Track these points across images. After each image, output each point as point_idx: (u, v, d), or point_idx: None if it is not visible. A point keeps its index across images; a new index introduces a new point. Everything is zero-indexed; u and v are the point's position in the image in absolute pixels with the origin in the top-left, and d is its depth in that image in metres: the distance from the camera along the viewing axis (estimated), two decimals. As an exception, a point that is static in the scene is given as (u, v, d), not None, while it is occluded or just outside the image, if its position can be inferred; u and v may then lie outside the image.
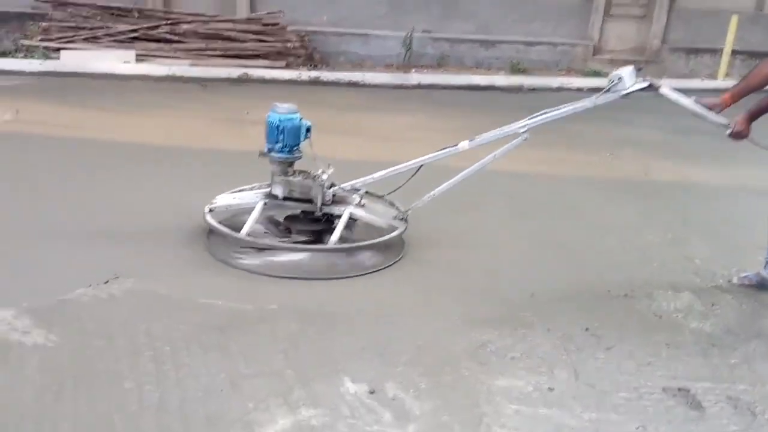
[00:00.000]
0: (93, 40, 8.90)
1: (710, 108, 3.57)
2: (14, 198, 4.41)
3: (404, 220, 4.01)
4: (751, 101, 3.54)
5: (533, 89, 9.60)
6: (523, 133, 3.76)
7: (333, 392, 2.65)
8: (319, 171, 3.88)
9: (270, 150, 3.86)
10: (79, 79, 8.10)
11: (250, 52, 9.21)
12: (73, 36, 8.88)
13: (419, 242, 4.09)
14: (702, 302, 3.62)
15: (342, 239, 3.78)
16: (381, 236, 3.89)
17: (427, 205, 4.03)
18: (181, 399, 2.56)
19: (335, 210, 3.89)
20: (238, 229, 3.76)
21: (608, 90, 3.64)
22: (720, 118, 3.56)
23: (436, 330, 3.16)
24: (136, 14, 9.31)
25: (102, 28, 8.99)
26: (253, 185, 4.16)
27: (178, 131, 6.25)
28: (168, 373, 2.70)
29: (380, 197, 4.19)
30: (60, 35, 8.89)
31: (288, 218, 4.01)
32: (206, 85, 8.35)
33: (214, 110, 7.19)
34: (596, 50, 11.17)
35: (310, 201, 3.87)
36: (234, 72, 8.79)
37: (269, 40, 9.35)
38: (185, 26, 9.14)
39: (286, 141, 3.81)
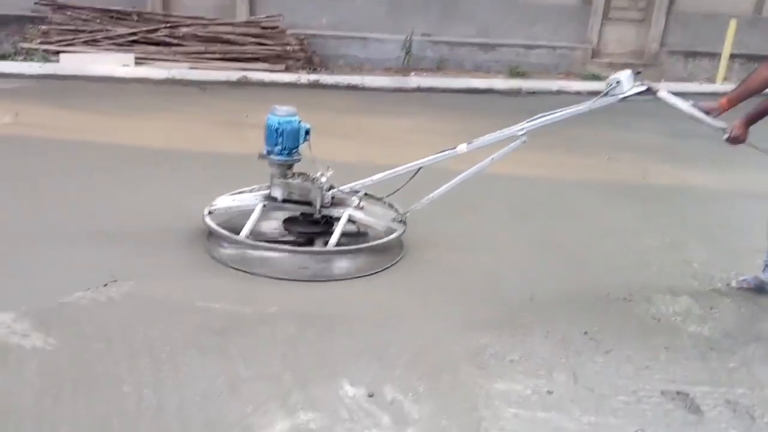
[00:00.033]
0: (92, 43, 8.90)
1: (708, 112, 3.57)
2: (13, 201, 4.41)
3: (403, 222, 4.02)
4: (750, 105, 3.55)
5: (532, 92, 9.61)
6: (521, 136, 3.76)
7: (331, 395, 2.65)
8: (318, 173, 3.89)
9: (269, 152, 3.87)
10: (79, 82, 8.10)
11: (250, 56, 9.22)
12: (72, 39, 8.89)
13: (418, 244, 4.10)
14: (700, 306, 3.62)
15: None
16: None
17: (426, 207, 4.04)
18: (180, 402, 2.56)
19: (334, 212, 3.89)
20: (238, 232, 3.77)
21: (606, 94, 3.64)
22: (717, 122, 3.57)
23: (434, 333, 3.16)
24: (136, 17, 9.32)
25: (101, 31, 9.00)
26: (253, 187, 4.17)
27: (178, 134, 6.26)
28: (166, 376, 2.70)
29: (379, 199, 4.20)
30: (59, 38, 8.89)
31: (287, 220, 4.02)
32: (205, 88, 8.36)
33: (213, 113, 7.20)
34: (595, 54, 11.19)
35: (309, 203, 3.88)
36: (233, 75, 8.79)
37: (268, 44, 9.36)
38: (184, 29, 9.14)
39: (286, 143, 3.82)
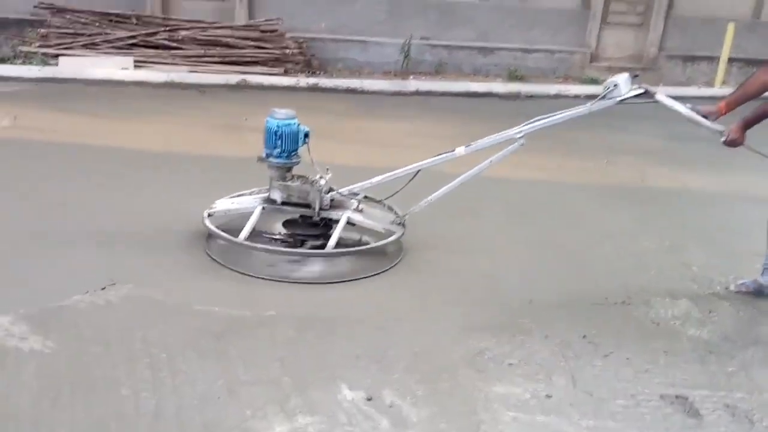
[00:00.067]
0: (91, 46, 8.91)
1: (706, 116, 3.58)
2: (12, 204, 4.40)
3: (402, 224, 4.02)
4: (747, 109, 3.56)
5: (531, 96, 9.62)
6: (519, 138, 3.77)
7: (330, 399, 2.65)
8: (317, 176, 3.90)
9: (268, 155, 3.88)
10: (78, 85, 8.10)
11: (249, 59, 9.22)
12: (71, 42, 8.89)
13: (417, 247, 4.10)
14: (699, 309, 3.62)
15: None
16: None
17: (425, 210, 4.04)
18: (178, 406, 2.55)
19: (333, 214, 3.90)
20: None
21: (604, 96, 3.65)
22: (715, 125, 3.58)
23: (433, 336, 3.16)
24: (135, 21, 9.32)
25: (100, 34, 9.00)
26: (252, 190, 4.18)
27: (177, 137, 6.26)
28: (165, 379, 2.70)
29: (378, 202, 4.20)
30: (58, 42, 8.89)
31: (286, 223, 4.02)
32: (204, 92, 8.36)
33: (212, 117, 7.20)
34: (594, 58, 11.21)
35: (308, 206, 3.88)
36: (232, 78, 8.80)
37: (267, 47, 9.37)
38: (183, 33, 9.15)
39: (285, 146, 3.83)
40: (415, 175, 3.95)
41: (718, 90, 10.24)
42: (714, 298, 3.78)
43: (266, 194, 4.00)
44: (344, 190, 3.97)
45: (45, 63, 8.57)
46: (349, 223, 3.91)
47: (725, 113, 3.59)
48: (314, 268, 3.78)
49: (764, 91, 3.60)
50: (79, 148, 5.73)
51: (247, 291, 3.48)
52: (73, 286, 3.34)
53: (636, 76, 3.70)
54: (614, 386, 2.87)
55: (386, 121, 7.75)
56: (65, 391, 2.59)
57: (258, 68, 9.17)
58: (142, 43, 9.02)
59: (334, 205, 3.94)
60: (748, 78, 3.66)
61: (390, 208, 4.17)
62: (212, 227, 3.85)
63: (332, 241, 3.76)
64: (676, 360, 3.11)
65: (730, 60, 10.76)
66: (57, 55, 8.71)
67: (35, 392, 2.58)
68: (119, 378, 2.68)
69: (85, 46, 8.89)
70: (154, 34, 9.07)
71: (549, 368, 2.96)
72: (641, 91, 3.63)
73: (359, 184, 3.99)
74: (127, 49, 8.94)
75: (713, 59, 10.98)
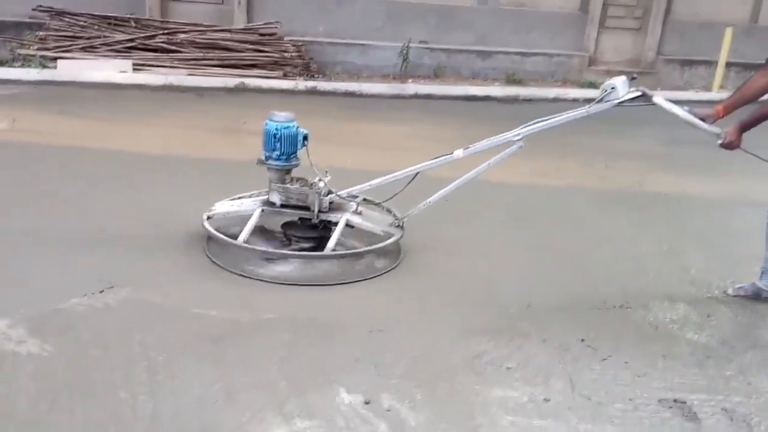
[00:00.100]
0: (90, 49, 8.90)
1: (703, 118, 3.59)
2: (10, 207, 4.40)
3: (401, 227, 4.03)
4: (745, 112, 3.57)
5: (529, 100, 9.63)
6: (517, 141, 3.78)
7: (328, 403, 2.65)
8: (316, 178, 3.91)
9: (267, 158, 3.89)
10: (76, 88, 8.10)
11: (247, 62, 9.22)
12: (70, 45, 8.89)
13: (415, 250, 4.10)
14: (698, 313, 3.62)
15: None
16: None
17: (424, 213, 4.04)
18: (175, 410, 2.55)
19: (332, 217, 3.91)
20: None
21: (602, 99, 3.66)
22: (712, 128, 3.59)
23: (432, 340, 3.16)
24: (134, 24, 9.32)
25: (99, 37, 8.99)
26: (252, 192, 4.18)
27: (175, 140, 6.25)
28: (162, 383, 2.69)
29: (377, 204, 4.21)
30: (57, 45, 8.89)
31: (286, 225, 4.02)
32: (203, 95, 8.36)
33: (211, 120, 7.20)
34: (592, 61, 11.22)
35: (307, 208, 3.89)
36: (231, 82, 8.80)
37: (266, 50, 9.37)
38: (182, 36, 9.15)
39: (284, 149, 3.85)
40: (413, 178, 3.95)
41: (715, 94, 10.25)
42: (712, 301, 3.79)
43: (265, 197, 4.00)
44: (343, 192, 3.98)
45: (43, 66, 8.57)
46: (348, 225, 3.91)
47: (723, 116, 3.60)
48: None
49: (761, 95, 3.62)
50: (78, 151, 5.73)
51: (245, 294, 3.48)
52: (72, 288, 3.34)
53: (634, 78, 3.71)
54: (612, 390, 2.87)
55: (385, 124, 7.76)
56: (63, 395, 2.58)
57: (256, 71, 9.17)
58: (140, 47, 9.02)
59: (333, 207, 3.95)
60: (746, 82, 3.68)
61: (389, 211, 4.18)
62: (211, 229, 3.85)
63: (331, 243, 3.77)
64: (675, 364, 3.11)
65: (728, 64, 10.78)
66: (55, 58, 8.71)
67: (33, 395, 2.57)
68: (117, 381, 2.68)
69: (83, 49, 8.89)
70: (153, 37, 9.07)
71: (547, 372, 2.96)
72: (639, 93, 3.64)
73: (358, 186, 3.99)
74: (126, 52, 8.94)
75: (711, 63, 11.00)
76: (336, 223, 3.87)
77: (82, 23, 9.12)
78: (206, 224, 3.90)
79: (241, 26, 9.70)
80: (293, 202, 3.91)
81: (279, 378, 2.78)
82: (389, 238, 3.94)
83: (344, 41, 10.29)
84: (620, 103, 3.64)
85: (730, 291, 3.88)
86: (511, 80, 10.45)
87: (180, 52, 9.07)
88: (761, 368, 3.14)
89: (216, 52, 9.17)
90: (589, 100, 3.78)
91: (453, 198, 4.08)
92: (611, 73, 3.82)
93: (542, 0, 11.01)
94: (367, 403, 2.66)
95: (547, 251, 4.34)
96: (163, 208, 4.55)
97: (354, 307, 3.44)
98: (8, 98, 7.46)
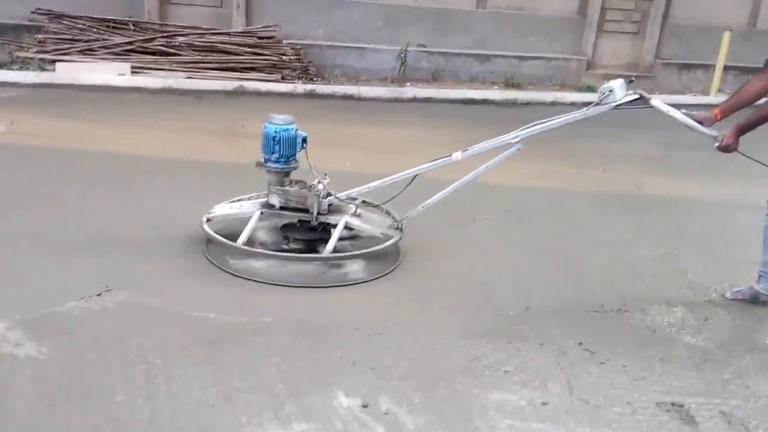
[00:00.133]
0: (89, 52, 8.89)
1: (701, 121, 3.61)
2: (8, 209, 4.39)
3: (399, 229, 4.04)
4: (742, 115, 3.58)
5: (527, 103, 9.65)
6: (515, 143, 3.78)
7: (326, 406, 2.64)
8: (315, 181, 3.92)
9: (267, 160, 3.90)
10: (75, 91, 8.09)
11: (246, 65, 9.22)
12: (68, 48, 8.88)
13: (414, 253, 4.10)
14: (695, 317, 3.63)
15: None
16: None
17: (422, 216, 4.05)
18: (173, 412, 2.54)
19: (331, 219, 3.92)
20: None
21: (599, 102, 3.67)
22: (709, 131, 3.60)
23: (430, 343, 3.16)
24: (132, 27, 9.31)
25: (98, 40, 8.99)
26: (251, 195, 4.19)
27: (174, 143, 6.25)
28: (160, 386, 2.69)
29: (376, 206, 4.22)
30: (56, 47, 8.88)
31: (285, 227, 4.03)
32: (201, 98, 8.36)
33: (209, 123, 7.19)
34: (590, 65, 11.23)
35: (306, 210, 3.90)
36: (229, 85, 8.80)
37: (265, 54, 9.37)
38: (181, 39, 9.15)
39: (283, 151, 3.86)
40: (412, 180, 3.96)
41: (713, 98, 10.27)
42: (710, 305, 3.79)
43: (265, 199, 4.01)
44: (342, 194, 3.99)
45: (42, 69, 8.56)
46: (347, 227, 3.92)
47: (720, 119, 3.62)
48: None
49: (759, 99, 3.64)
50: (76, 153, 5.72)
51: (243, 297, 3.48)
52: (69, 291, 3.33)
53: (631, 81, 3.72)
54: (610, 394, 2.87)
55: (383, 127, 7.76)
56: (60, 398, 2.58)
57: (255, 74, 9.17)
58: (139, 49, 9.02)
59: (332, 209, 3.96)
60: (743, 86, 3.70)
61: (388, 213, 4.19)
62: (211, 232, 3.86)
63: (330, 245, 3.78)
64: (672, 367, 3.11)
65: (726, 68, 10.80)
66: (54, 61, 8.70)
67: (30, 398, 2.57)
68: (114, 384, 2.68)
69: (82, 52, 8.88)
70: (152, 40, 9.07)
71: (545, 375, 2.96)
72: (636, 96, 3.65)
73: (357, 188, 4.00)
74: (125, 55, 8.94)
75: (709, 67, 11.02)
76: (335, 225, 3.88)
77: (80, 26, 9.12)
78: (205, 226, 3.90)
79: (240, 29, 9.70)
80: (292, 204, 3.92)
81: (277, 381, 2.78)
82: (388, 239, 3.95)
83: (343, 44, 10.30)
84: (618, 105, 3.65)
85: (727, 294, 3.88)
86: (510, 84, 10.46)
87: (178, 55, 9.07)
88: (759, 372, 3.14)
89: (214, 55, 9.18)
90: (587, 104, 3.79)
91: (451, 200, 4.09)
92: (609, 77, 3.82)
93: (540, 4, 11.03)
94: (365, 406, 2.66)
95: (545, 254, 4.35)
96: (162, 210, 4.54)
97: (352, 310, 3.44)
98: (7, 101, 7.46)
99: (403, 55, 9.93)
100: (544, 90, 10.47)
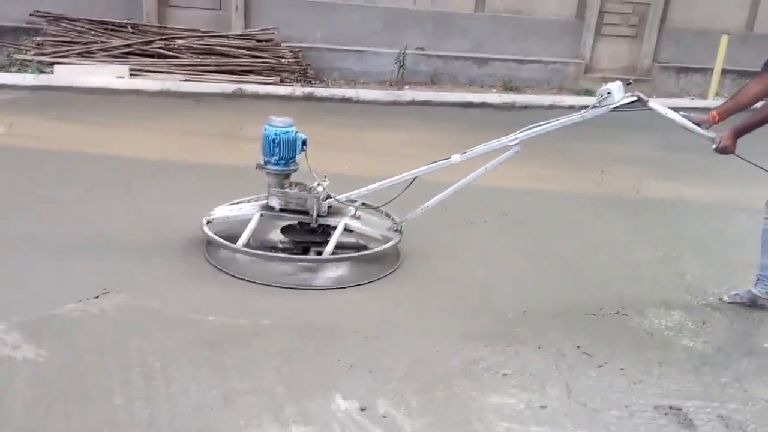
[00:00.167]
0: (87, 54, 8.90)
1: (699, 124, 3.62)
2: (7, 211, 4.39)
3: (399, 231, 4.04)
4: (740, 118, 3.60)
5: (525, 107, 9.66)
6: (514, 145, 3.79)
7: (324, 409, 2.64)
8: (315, 183, 3.92)
9: (266, 162, 3.91)
10: (73, 93, 8.09)
11: (245, 68, 9.23)
12: (67, 51, 8.88)
13: (413, 256, 4.10)
14: (693, 320, 3.63)
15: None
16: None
17: (421, 218, 4.05)
18: (172, 415, 2.54)
19: (331, 221, 3.92)
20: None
21: (598, 104, 3.68)
22: (707, 132, 3.62)
23: (428, 346, 3.16)
24: (131, 29, 9.32)
25: (96, 43, 8.99)
26: (251, 197, 4.20)
27: (172, 146, 6.25)
28: (159, 388, 2.69)
29: (375, 208, 4.22)
30: (54, 50, 8.88)
31: (285, 229, 4.04)
32: (200, 101, 8.36)
33: (208, 125, 7.20)
34: (588, 69, 11.25)
35: (306, 213, 3.90)
36: (228, 87, 8.80)
37: (263, 56, 9.37)
38: (179, 42, 9.15)
39: (283, 154, 3.87)
40: (411, 182, 3.97)
41: (711, 101, 10.29)
42: (708, 308, 3.80)
43: (265, 201, 4.02)
44: (342, 197, 3.99)
45: (40, 71, 8.56)
46: (347, 229, 3.93)
47: (718, 122, 3.64)
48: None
49: (756, 102, 3.66)
50: (75, 156, 5.72)
51: (242, 299, 3.48)
52: (67, 294, 3.33)
53: (629, 84, 3.74)
54: (608, 397, 2.87)
55: (382, 130, 7.77)
56: (59, 400, 2.58)
57: (253, 77, 9.17)
58: (137, 52, 9.02)
59: (332, 212, 3.97)
60: (741, 89, 3.72)
61: (387, 215, 4.20)
62: (211, 234, 3.86)
63: (329, 247, 3.78)
64: (670, 371, 3.12)
65: (724, 72, 10.82)
66: (52, 63, 8.70)
67: (28, 401, 2.56)
68: (113, 387, 2.67)
69: (80, 55, 8.88)
70: (150, 42, 9.07)
71: (543, 378, 2.97)
72: (634, 98, 3.66)
73: (356, 191, 4.01)
74: (123, 57, 8.94)
75: (707, 71, 11.04)
76: (335, 227, 3.89)
77: (79, 28, 9.12)
78: (205, 228, 3.91)
79: (239, 32, 9.71)
80: (292, 206, 3.93)
81: (276, 383, 2.78)
82: (387, 241, 3.96)
83: (341, 47, 10.30)
84: (616, 107, 3.66)
85: (725, 298, 3.89)
86: (508, 87, 10.48)
87: (177, 57, 9.08)
88: (757, 375, 3.15)
89: (213, 57, 9.18)
90: (585, 107, 3.79)
91: (450, 203, 4.09)
92: (607, 81, 3.82)
93: (539, 7, 11.05)
94: (363, 409, 2.66)
95: (544, 257, 4.35)
96: (160, 213, 4.54)
97: (351, 312, 3.44)
98: (5, 103, 7.46)
99: (401, 58, 9.94)
100: (542, 93, 10.49)
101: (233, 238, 3.81)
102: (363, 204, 4.16)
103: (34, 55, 8.79)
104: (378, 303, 3.57)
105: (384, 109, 8.95)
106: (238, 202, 4.19)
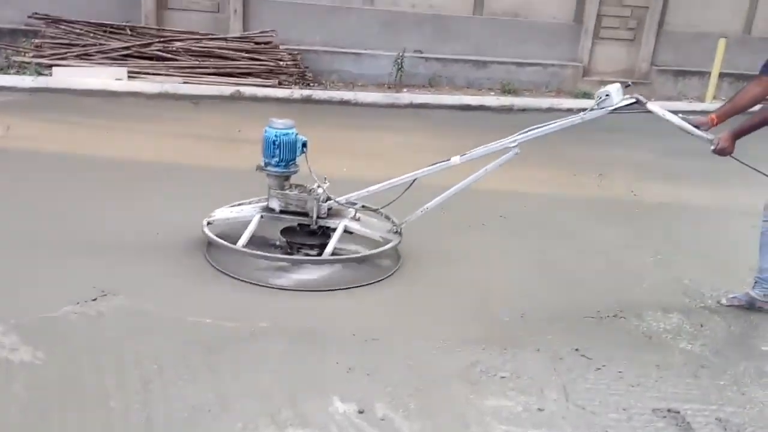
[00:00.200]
0: (85, 57, 8.89)
1: (697, 126, 3.64)
2: (3, 213, 4.38)
3: (398, 233, 4.05)
4: (738, 121, 3.60)
5: (524, 110, 9.67)
6: (513, 147, 3.80)
7: (322, 412, 2.64)
8: (315, 185, 3.93)
9: (267, 164, 3.92)
10: (71, 95, 8.09)
11: (243, 71, 9.24)
12: (65, 53, 8.88)
13: (410, 259, 4.10)
14: (691, 323, 3.63)
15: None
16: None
17: (419, 223, 4.06)
18: (169, 418, 2.54)
19: (330, 223, 3.93)
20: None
21: (597, 106, 3.68)
22: (706, 134, 3.62)
23: (426, 349, 3.16)
24: (129, 32, 9.32)
25: (95, 45, 8.99)
26: (251, 199, 4.20)
27: (170, 148, 6.25)
28: (155, 392, 2.68)
29: (375, 210, 4.22)
30: (52, 52, 8.88)
31: (285, 231, 4.04)
32: (198, 103, 8.36)
33: (206, 128, 7.20)
34: (586, 72, 11.27)
35: (306, 214, 3.91)
36: (226, 90, 8.81)
37: (262, 59, 9.38)
38: (178, 44, 9.15)
39: (283, 155, 3.88)
40: (411, 184, 3.97)
41: (708, 105, 10.31)
42: (706, 311, 3.80)
43: (265, 203, 4.02)
44: (342, 198, 4.00)
45: (39, 73, 8.56)
46: (347, 231, 3.93)
47: (716, 124, 3.66)
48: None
49: (754, 104, 3.67)
50: (73, 158, 5.72)
51: (239, 302, 3.47)
52: (64, 296, 3.32)
53: (628, 86, 3.75)
54: (606, 400, 2.87)
55: (380, 133, 7.77)
56: (55, 403, 2.57)
57: (252, 80, 9.18)
58: (136, 54, 9.02)
59: (332, 213, 3.98)
60: (738, 92, 3.74)
61: (387, 217, 4.20)
62: (211, 235, 3.86)
63: (329, 249, 3.79)
64: (668, 374, 3.11)
65: (721, 75, 10.84)
66: (51, 66, 8.70)
67: (25, 404, 2.56)
68: (110, 390, 2.67)
69: (79, 57, 8.88)
70: (149, 45, 9.07)
71: (541, 381, 2.96)
72: (633, 100, 3.68)
73: (356, 192, 4.02)
74: (121, 59, 8.94)
75: (704, 74, 11.07)
76: (335, 229, 3.89)
77: (77, 31, 9.12)
78: (206, 230, 3.91)
79: (237, 35, 9.72)
80: (292, 208, 3.94)
81: (273, 387, 2.77)
82: (387, 243, 3.97)
83: (340, 50, 10.31)
84: (615, 109, 3.67)
85: (723, 301, 3.89)
86: (506, 90, 10.49)
87: (175, 60, 9.08)
88: (755, 378, 3.15)
89: (211, 60, 9.19)
90: (583, 110, 3.80)
91: (448, 206, 4.09)
92: (605, 84, 3.84)
93: (537, 11, 11.07)
94: (361, 412, 2.65)
95: (542, 260, 4.35)
96: (158, 215, 4.54)
97: (349, 315, 3.44)
98: (3, 105, 7.45)
99: (399, 60, 9.95)
100: (540, 96, 10.50)
101: (235, 241, 3.81)
102: (363, 206, 4.17)
103: (33, 57, 8.79)
104: (375, 306, 3.57)
105: (382, 112, 8.95)
106: (239, 204, 4.19)
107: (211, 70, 9.10)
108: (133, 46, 9.02)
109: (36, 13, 9.12)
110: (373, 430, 2.56)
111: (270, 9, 10.10)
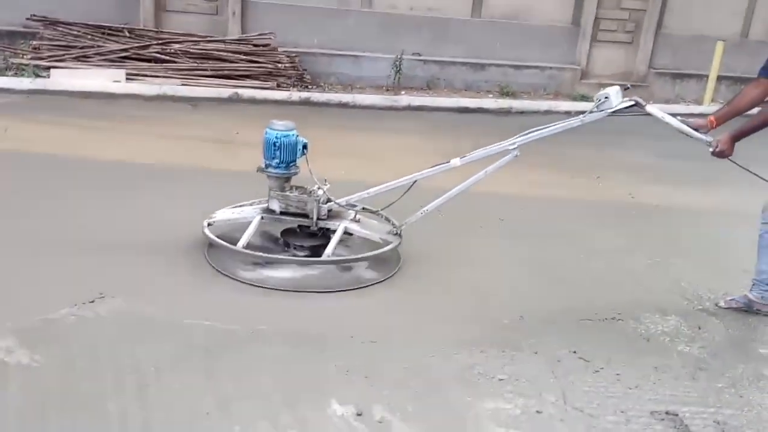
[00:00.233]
0: (83, 59, 8.89)
1: (696, 128, 3.64)
2: (1, 215, 4.37)
3: (398, 234, 4.05)
4: (737, 123, 3.61)
5: (522, 112, 9.68)
6: (513, 150, 3.81)
7: (320, 415, 2.64)
8: (315, 186, 3.93)
9: (267, 166, 3.93)
10: (69, 97, 8.08)
11: (241, 73, 9.24)
12: (63, 55, 8.88)
13: (409, 261, 4.10)
14: (689, 325, 3.63)
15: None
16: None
17: (417, 225, 4.06)
18: (166, 421, 2.53)
19: (331, 224, 3.93)
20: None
21: (596, 109, 3.69)
22: (704, 136, 3.63)
23: (424, 351, 3.15)
24: (127, 34, 9.32)
25: (93, 47, 8.98)
26: (252, 201, 4.20)
27: (168, 150, 6.24)
28: (153, 394, 2.68)
29: (375, 212, 4.23)
30: (50, 54, 8.88)
31: (285, 232, 4.04)
32: (196, 105, 8.36)
33: (204, 130, 7.19)
34: (584, 75, 11.29)
35: (306, 216, 3.91)
36: (224, 92, 8.80)
37: (260, 61, 9.38)
38: (176, 46, 9.15)
39: (283, 157, 3.89)
40: (411, 186, 3.98)
41: (706, 107, 10.33)
42: (704, 314, 3.80)
43: (265, 204, 4.03)
44: (342, 200, 4.00)
45: (37, 75, 8.55)
46: (347, 233, 3.93)
47: (715, 127, 3.67)
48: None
49: (753, 107, 3.68)
50: (70, 160, 5.71)
51: (237, 304, 3.47)
52: (62, 298, 3.32)
53: (627, 89, 3.75)
54: (604, 402, 2.87)
55: (378, 135, 7.77)
56: (52, 406, 2.56)
57: (250, 82, 9.18)
58: (134, 56, 9.02)
59: (332, 215, 3.99)
60: (737, 94, 3.74)
61: (387, 219, 4.20)
62: (212, 236, 3.87)
63: (329, 250, 3.79)
64: (667, 376, 3.12)
65: (719, 78, 10.86)
66: (49, 67, 8.69)
67: (22, 407, 2.55)
68: (107, 392, 2.66)
69: (77, 59, 8.88)
70: (147, 47, 9.07)
71: (539, 384, 2.96)
72: (632, 103, 3.68)
73: (356, 194, 4.02)
74: (119, 61, 8.94)
75: (702, 77, 11.09)
76: (335, 231, 3.90)
77: (75, 33, 9.11)
78: (206, 231, 3.91)
79: (235, 37, 9.72)
80: (292, 209, 3.95)
81: (272, 389, 2.77)
82: (387, 245, 3.97)
83: (338, 52, 10.32)
84: (614, 112, 3.68)
85: (721, 303, 3.89)
86: (504, 93, 10.50)
87: (174, 62, 9.08)
88: (753, 381, 3.15)
89: (210, 62, 9.19)
90: (581, 113, 3.81)
91: (446, 209, 4.10)
92: (603, 87, 3.85)
93: (535, 13, 11.08)
94: (359, 414, 2.65)
95: (540, 263, 4.35)
96: (156, 217, 4.53)
97: (347, 318, 3.43)
98: (1, 107, 7.44)
99: (398, 63, 9.96)
100: (538, 99, 10.51)
101: (235, 242, 3.82)
102: (363, 208, 4.17)
103: (31, 59, 8.78)
104: (374, 308, 3.57)
105: (380, 114, 8.96)
106: (239, 206, 4.20)
107: (210, 73, 9.10)
108: (131, 48, 9.01)
109: (34, 15, 9.11)
110: (371, 432, 2.56)
111: (268, 11, 10.11)
